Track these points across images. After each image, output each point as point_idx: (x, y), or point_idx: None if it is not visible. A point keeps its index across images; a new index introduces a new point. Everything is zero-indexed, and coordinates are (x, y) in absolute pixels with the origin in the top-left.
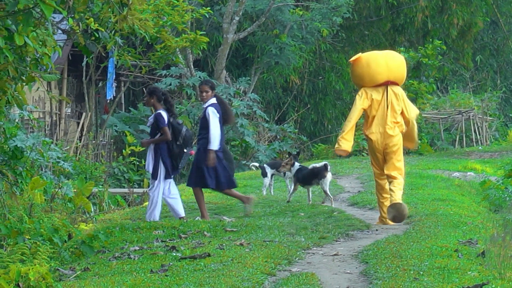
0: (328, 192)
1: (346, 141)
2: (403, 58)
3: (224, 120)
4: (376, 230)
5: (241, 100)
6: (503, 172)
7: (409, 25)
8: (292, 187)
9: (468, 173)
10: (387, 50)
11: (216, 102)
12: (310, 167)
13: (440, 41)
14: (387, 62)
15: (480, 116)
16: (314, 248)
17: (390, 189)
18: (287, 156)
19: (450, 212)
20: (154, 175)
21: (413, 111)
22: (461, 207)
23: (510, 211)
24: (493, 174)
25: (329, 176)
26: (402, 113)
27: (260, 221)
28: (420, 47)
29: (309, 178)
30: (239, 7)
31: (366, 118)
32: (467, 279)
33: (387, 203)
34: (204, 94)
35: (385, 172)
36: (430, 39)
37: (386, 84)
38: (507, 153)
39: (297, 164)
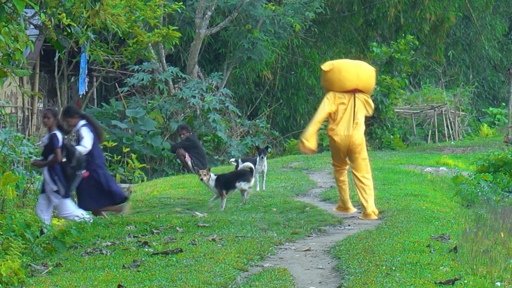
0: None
1: (312, 141)
2: (374, 70)
3: (97, 138)
4: (348, 225)
5: (214, 95)
6: (475, 167)
7: (381, 20)
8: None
9: (441, 168)
10: (359, 60)
11: (87, 122)
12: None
13: (413, 36)
14: (357, 72)
15: (453, 111)
16: (287, 244)
17: (364, 198)
18: (255, 150)
19: (422, 207)
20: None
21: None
22: (434, 202)
23: (482, 206)
24: (465, 169)
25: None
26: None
27: (233, 216)
28: (392, 42)
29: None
30: (211, 2)
31: (330, 120)
32: (439, 274)
33: (345, 187)
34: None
35: (356, 173)
36: (403, 34)
37: (354, 91)
38: (479, 148)
39: (213, 175)
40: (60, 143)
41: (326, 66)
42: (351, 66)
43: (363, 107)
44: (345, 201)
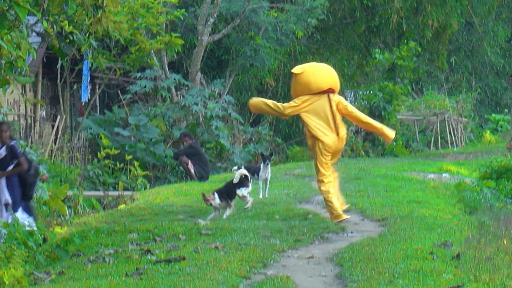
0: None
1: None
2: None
3: None
4: (351, 232)
5: (216, 102)
6: (478, 173)
7: (384, 26)
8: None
9: (443, 174)
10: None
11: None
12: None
13: (415, 43)
14: (328, 71)
15: (455, 118)
16: (289, 251)
17: (329, 201)
18: (260, 157)
19: (425, 214)
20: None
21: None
22: (436, 209)
23: (485, 213)
24: (468, 176)
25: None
26: (346, 114)
27: (235, 224)
28: (395, 48)
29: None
30: (213, 9)
31: (314, 122)
32: (442, 281)
33: (331, 196)
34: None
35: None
36: (405, 41)
37: (328, 91)
38: (482, 154)
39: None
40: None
41: (297, 69)
42: (321, 66)
43: (339, 106)
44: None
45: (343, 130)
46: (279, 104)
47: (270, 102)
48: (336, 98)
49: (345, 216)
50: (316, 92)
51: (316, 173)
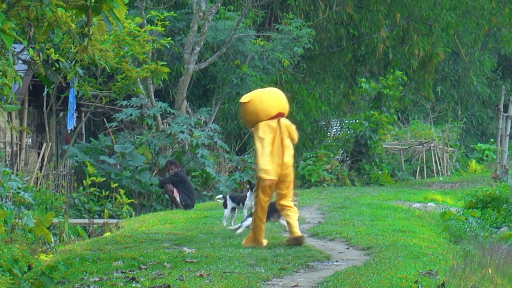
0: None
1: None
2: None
3: None
4: (336, 261)
5: (202, 131)
6: (463, 203)
7: (370, 55)
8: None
9: (429, 204)
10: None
11: None
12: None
13: (401, 72)
14: (275, 96)
15: (441, 147)
16: (274, 279)
17: (288, 222)
18: (247, 185)
19: (410, 243)
20: None
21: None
22: (422, 238)
23: (470, 242)
24: (453, 205)
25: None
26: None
27: (220, 252)
28: (381, 77)
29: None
30: (200, 37)
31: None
32: None
33: (263, 226)
34: None
35: (282, 203)
36: (391, 70)
37: (278, 116)
38: (467, 184)
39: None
40: None
41: (244, 98)
42: (268, 92)
43: (286, 132)
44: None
45: (289, 156)
46: (262, 156)
47: (269, 154)
48: (285, 121)
49: (265, 243)
50: (265, 119)
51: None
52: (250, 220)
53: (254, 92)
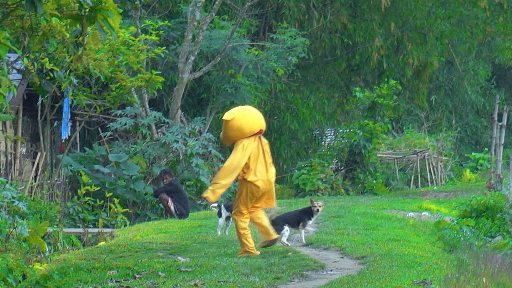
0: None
1: (219, 195)
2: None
3: None
4: (331, 270)
5: (196, 140)
6: (457, 212)
7: (364, 65)
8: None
9: (423, 213)
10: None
11: None
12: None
13: (396, 81)
14: (256, 113)
15: (435, 156)
16: None
17: (261, 224)
18: None
19: (404, 252)
20: None
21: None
22: (416, 247)
23: (464, 251)
24: (447, 214)
25: None
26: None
27: (215, 261)
28: (375, 87)
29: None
30: (194, 46)
31: (247, 166)
32: None
33: (248, 233)
34: None
35: (257, 205)
36: (386, 79)
37: (259, 133)
38: (462, 193)
39: None
40: None
41: (228, 115)
42: (249, 110)
43: (266, 148)
44: (253, 245)
45: (272, 174)
46: (234, 176)
47: (225, 182)
48: (264, 139)
49: (257, 253)
50: (249, 136)
51: (235, 209)
52: (286, 227)
53: (235, 110)
